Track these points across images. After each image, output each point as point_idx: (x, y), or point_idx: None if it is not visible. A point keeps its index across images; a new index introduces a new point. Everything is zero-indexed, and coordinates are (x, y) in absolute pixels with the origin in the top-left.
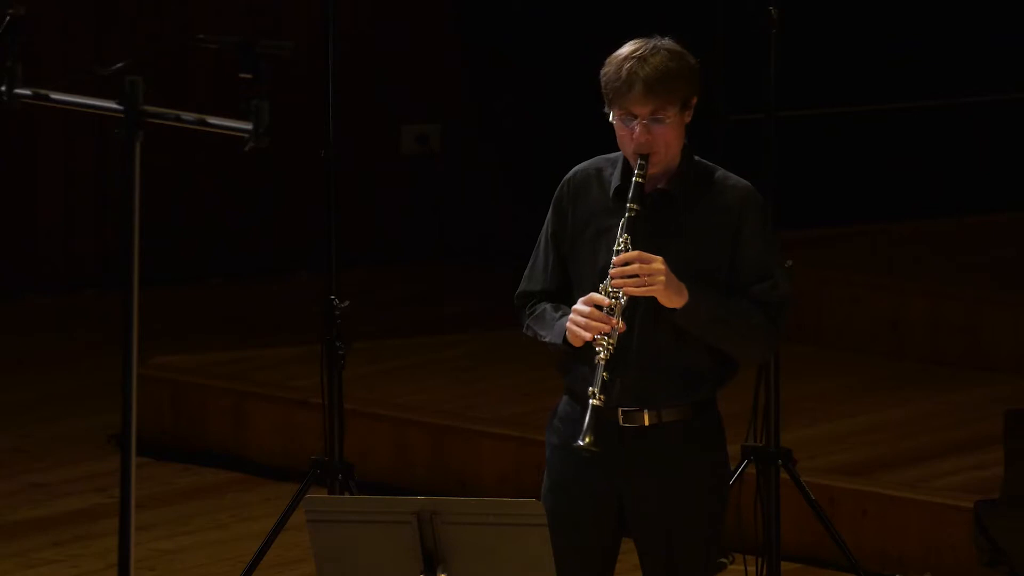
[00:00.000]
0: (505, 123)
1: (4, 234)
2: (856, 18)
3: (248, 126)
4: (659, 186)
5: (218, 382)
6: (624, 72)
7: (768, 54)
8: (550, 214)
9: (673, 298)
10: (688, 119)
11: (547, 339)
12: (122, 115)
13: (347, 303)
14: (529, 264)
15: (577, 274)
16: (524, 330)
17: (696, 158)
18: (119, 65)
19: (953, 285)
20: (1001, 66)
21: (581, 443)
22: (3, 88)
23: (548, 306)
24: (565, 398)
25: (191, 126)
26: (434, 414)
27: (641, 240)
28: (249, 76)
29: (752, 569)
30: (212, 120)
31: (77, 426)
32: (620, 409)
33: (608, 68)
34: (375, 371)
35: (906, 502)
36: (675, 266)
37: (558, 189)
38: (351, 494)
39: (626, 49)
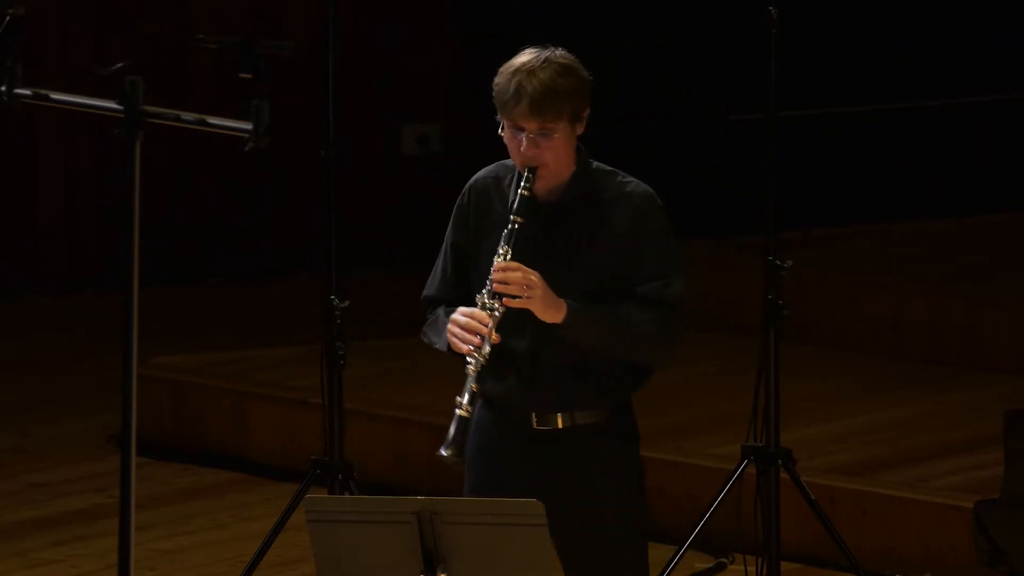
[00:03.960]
0: None
1: (4, 234)
2: (856, 18)
3: (248, 126)
4: (550, 199)
5: (218, 382)
6: (513, 85)
7: (768, 54)
8: (452, 223)
9: (550, 313)
10: (581, 131)
11: (437, 346)
12: (122, 115)
13: (347, 303)
14: (433, 269)
15: (478, 284)
16: (422, 335)
17: (594, 165)
18: (119, 65)
19: (953, 285)
20: (1001, 66)
21: (444, 453)
22: (3, 88)
23: (442, 311)
24: (479, 403)
25: (191, 126)
26: (434, 414)
27: (529, 254)
28: (249, 76)
29: (752, 569)
30: (212, 120)
31: (77, 426)
32: (534, 413)
33: (499, 79)
34: (375, 371)
35: (906, 502)
36: (559, 281)
37: (460, 198)
38: (351, 494)
39: (518, 60)
